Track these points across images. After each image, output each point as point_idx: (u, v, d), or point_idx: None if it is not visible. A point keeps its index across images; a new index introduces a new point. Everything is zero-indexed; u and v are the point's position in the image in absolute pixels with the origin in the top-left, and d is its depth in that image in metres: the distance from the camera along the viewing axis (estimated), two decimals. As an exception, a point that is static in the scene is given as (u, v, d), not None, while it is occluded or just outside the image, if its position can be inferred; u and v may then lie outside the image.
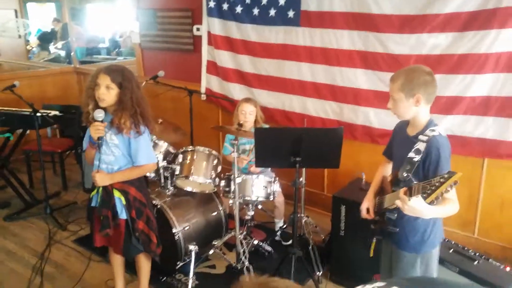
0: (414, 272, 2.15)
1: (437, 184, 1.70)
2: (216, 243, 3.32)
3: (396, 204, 1.90)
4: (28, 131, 4.63)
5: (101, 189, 2.58)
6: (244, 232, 3.36)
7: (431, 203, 1.74)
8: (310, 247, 3.30)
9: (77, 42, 8.36)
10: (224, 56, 4.54)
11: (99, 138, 2.46)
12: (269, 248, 3.50)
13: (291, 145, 2.73)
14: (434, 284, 0.71)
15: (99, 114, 2.45)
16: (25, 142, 4.83)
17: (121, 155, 2.57)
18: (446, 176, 1.69)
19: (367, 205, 2.31)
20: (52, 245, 3.73)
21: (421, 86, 1.99)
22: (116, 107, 2.50)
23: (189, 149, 3.25)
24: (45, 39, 9.27)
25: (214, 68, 4.70)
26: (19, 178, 4.54)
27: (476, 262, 2.57)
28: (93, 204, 2.66)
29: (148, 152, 2.61)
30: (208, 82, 4.80)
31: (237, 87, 4.50)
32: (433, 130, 2.02)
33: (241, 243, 3.16)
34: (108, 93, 2.45)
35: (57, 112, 4.34)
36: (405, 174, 2.01)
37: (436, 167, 1.96)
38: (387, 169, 2.41)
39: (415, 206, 1.78)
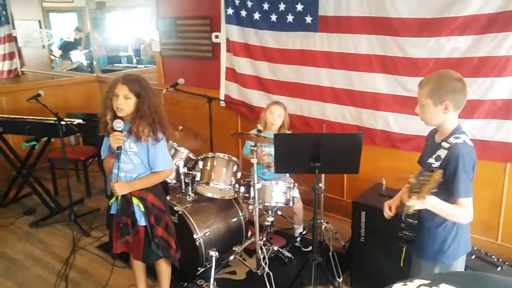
0: None
1: (423, 182, 1.73)
2: (236, 249, 3.34)
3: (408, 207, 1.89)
4: (52, 140, 4.76)
5: (120, 196, 2.62)
6: (264, 238, 3.37)
7: (423, 200, 1.74)
8: (330, 253, 3.29)
9: (99, 51, 8.54)
10: (243, 63, 4.58)
11: (118, 148, 2.52)
12: (289, 255, 3.51)
13: (310, 151, 2.74)
14: (486, 279, 0.70)
15: (118, 124, 2.50)
16: (49, 150, 4.96)
17: (140, 163, 2.62)
18: (429, 173, 1.74)
19: (389, 204, 2.26)
20: (76, 251, 3.82)
21: (449, 93, 1.96)
22: (134, 116, 2.55)
23: (209, 156, 3.29)
24: (67, 48, 9.48)
25: (233, 75, 4.75)
26: (44, 186, 4.66)
27: (499, 269, 2.54)
28: (112, 211, 2.72)
29: (165, 158, 2.66)
30: (227, 89, 4.84)
31: (255, 93, 4.54)
32: (457, 137, 1.98)
33: (261, 249, 3.17)
34: (126, 103, 2.50)
35: (80, 121, 4.44)
36: (422, 178, 1.99)
37: (454, 176, 1.93)
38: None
39: (415, 205, 1.78)
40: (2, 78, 8.02)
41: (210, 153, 3.31)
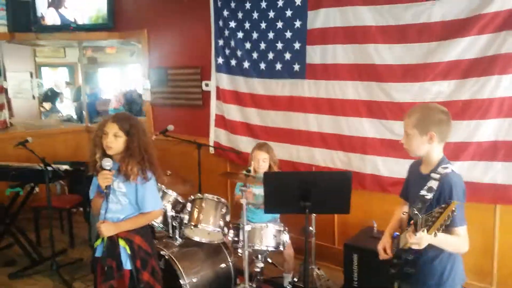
0: None
1: (437, 215, 1.70)
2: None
3: (407, 242, 1.87)
4: (37, 189, 4.67)
5: (106, 238, 2.54)
6: (254, 286, 3.25)
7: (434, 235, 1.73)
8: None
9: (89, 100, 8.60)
10: (232, 110, 4.64)
11: (107, 187, 2.47)
12: (279, 302, 3.38)
13: (300, 189, 2.72)
14: None
15: (107, 163, 2.47)
16: (33, 199, 4.86)
17: (128, 203, 2.57)
18: (443, 206, 1.71)
19: (383, 245, 2.24)
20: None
21: (435, 124, 2.02)
22: (124, 154, 2.52)
23: (197, 197, 3.24)
24: (53, 95, 9.57)
25: (222, 122, 4.80)
26: (27, 235, 4.51)
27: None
28: (97, 254, 2.62)
29: (154, 199, 2.61)
30: (217, 135, 4.87)
31: (244, 139, 4.56)
32: (445, 168, 2.02)
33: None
34: (115, 141, 2.49)
35: (67, 167, 4.39)
36: (415, 212, 1.95)
37: None
38: (404, 211, 2.38)
39: (421, 239, 1.78)
40: (-10, 130, 7.98)
41: (199, 194, 3.26)
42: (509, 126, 3.08)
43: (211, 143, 4.88)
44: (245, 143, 4.56)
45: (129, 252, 2.54)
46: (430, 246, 1.94)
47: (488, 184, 3.19)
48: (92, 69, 11.79)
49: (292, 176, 3.03)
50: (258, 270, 3.33)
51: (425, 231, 1.74)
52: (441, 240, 1.87)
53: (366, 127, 3.74)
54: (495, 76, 3.07)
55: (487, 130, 3.16)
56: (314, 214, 3.41)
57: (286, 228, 3.33)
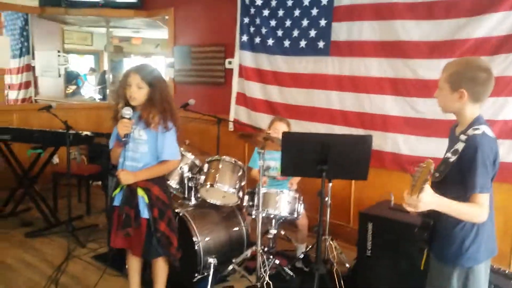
0: (450, 287, 1.89)
1: (417, 174, 1.60)
2: (235, 260, 3.19)
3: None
4: (57, 159, 4.72)
5: (125, 186, 2.57)
6: (266, 248, 3.22)
7: (417, 195, 1.59)
8: (334, 270, 3.14)
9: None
10: (254, 87, 4.65)
11: (126, 136, 2.49)
12: (290, 273, 3.34)
13: (318, 152, 2.68)
14: None
15: (127, 111, 2.50)
16: (53, 168, 4.95)
17: (148, 151, 2.58)
18: (423, 165, 1.61)
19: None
20: (70, 259, 3.66)
21: (468, 82, 1.81)
22: (146, 104, 2.55)
23: (215, 159, 3.24)
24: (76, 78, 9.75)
25: (243, 100, 4.81)
26: (45, 200, 4.57)
27: (513, 281, 2.39)
28: (115, 203, 2.65)
29: (173, 148, 2.62)
30: (237, 113, 4.88)
31: (265, 117, 4.55)
32: (476, 129, 1.81)
33: (262, 257, 3.02)
34: (139, 92, 2.52)
35: (89, 133, 4.45)
36: (437, 175, 1.84)
37: (470, 169, 1.75)
38: None
39: (415, 202, 1.62)
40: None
41: (216, 156, 3.26)
42: (537, 104, 3.00)
43: (231, 121, 4.88)
44: (265, 121, 4.53)
45: (147, 201, 2.56)
46: None
47: (512, 163, 3.11)
48: (117, 57, 11.99)
49: (311, 137, 2.99)
50: (270, 236, 3.31)
51: (412, 191, 1.61)
52: (448, 204, 1.72)
53: (389, 105, 3.70)
54: (525, 52, 3.00)
55: (514, 108, 3.09)
56: (331, 184, 3.35)
57: (302, 197, 3.30)
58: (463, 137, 1.83)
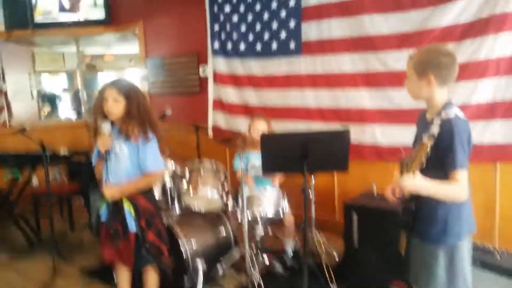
0: (437, 265, 1.95)
1: (414, 153, 1.66)
2: (223, 262, 3.17)
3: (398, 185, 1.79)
4: (36, 180, 4.62)
5: (110, 202, 2.55)
6: (254, 249, 3.22)
7: (413, 173, 1.67)
8: (322, 263, 3.15)
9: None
10: (230, 92, 4.67)
11: (106, 152, 2.49)
12: (280, 269, 3.35)
13: (298, 150, 2.69)
14: None
15: (106, 126, 2.49)
16: (33, 190, 4.86)
17: (130, 165, 2.56)
18: (420, 145, 1.66)
19: (391, 187, 2.16)
20: (57, 277, 3.59)
21: (434, 67, 1.89)
22: (124, 117, 2.53)
23: (196, 165, 3.23)
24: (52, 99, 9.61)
25: (220, 105, 4.83)
26: (27, 220, 4.49)
27: (498, 257, 2.44)
28: (102, 219, 2.63)
29: (156, 159, 2.60)
30: (215, 119, 4.89)
31: (243, 120, 4.57)
32: (449, 112, 1.88)
33: (250, 256, 3.02)
34: (116, 105, 2.50)
35: (66, 152, 4.39)
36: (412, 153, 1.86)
37: (449, 150, 1.82)
38: None
39: (408, 183, 1.70)
40: (-11, 131, 7.98)
41: (197, 160, 3.25)
42: (506, 85, 3.09)
43: (210, 128, 4.89)
44: (244, 124, 4.55)
45: (133, 215, 2.54)
46: None
47: (488, 144, 3.19)
48: (91, 75, 11.88)
49: (290, 137, 3.00)
50: (258, 239, 3.30)
51: (411, 174, 1.67)
52: (431, 186, 1.79)
53: (364, 98, 3.77)
54: (490, 35, 3.08)
55: (484, 90, 3.17)
56: (313, 181, 3.38)
57: (285, 194, 3.31)
58: (437, 121, 1.86)
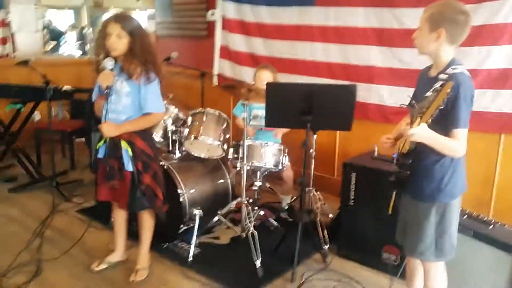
0: (428, 222, 2.01)
1: (431, 99, 1.64)
2: (220, 211, 3.21)
3: (404, 134, 1.81)
4: (38, 115, 4.60)
5: (108, 139, 2.53)
6: (251, 200, 3.25)
7: (427, 122, 1.68)
8: (317, 220, 3.19)
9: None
10: (238, 40, 4.56)
11: (108, 87, 2.44)
12: (275, 223, 3.40)
13: (302, 102, 2.67)
14: None
15: (109, 62, 2.44)
16: (35, 124, 4.87)
17: (131, 103, 2.53)
18: (438, 88, 1.63)
19: (388, 136, 2.21)
20: (55, 214, 3.66)
21: (447, 22, 1.87)
22: (127, 54, 2.47)
23: (199, 111, 3.20)
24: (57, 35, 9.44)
25: (227, 53, 4.72)
26: (28, 156, 4.52)
27: (491, 227, 2.45)
28: (99, 155, 2.61)
29: (156, 101, 2.57)
30: (221, 67, 4.81)
31: (249, 70, 4.48)
32: (455, 68, 1.88)
33: (247, 208, 3.05)
34: (119, 41, 2.43)
35: (69, 87, 4.34)
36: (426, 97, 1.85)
37: (454, 106, 1.82)
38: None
39: (417, 132, 1.71)
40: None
41: (200, 108, 3.22)
42: (521, 53, 2.99)
43: (215, 74, 4.81)
44: (249, 74, 4.47)
45: (131, 154, 2.53)
46: (432, 149, 1.89)
47: (495, 113, 3.14)
48: (97, 13, 11.61)
49: (295, 87, 2.96)
50: (255, 188, 3.33)
51: (420, 118, 1.66)
52: (435, 139, 1.82)
53: (374, 56, 3.67)
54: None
55: (498, 57, 3.07)
56: (315, 136, 3.35)
57: (287, 149, 3.30)
58: (443, 76, 1.86)
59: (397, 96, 3.56)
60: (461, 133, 1.87)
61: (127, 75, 2.47)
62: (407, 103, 1.89)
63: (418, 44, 2.01)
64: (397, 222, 2.26)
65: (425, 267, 2.13)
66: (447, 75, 1.85)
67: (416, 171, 1.99)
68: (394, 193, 2.16)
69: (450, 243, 2.04)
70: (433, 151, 1.91)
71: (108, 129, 2.49)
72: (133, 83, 2.49)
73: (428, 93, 1.90)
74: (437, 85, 1.89)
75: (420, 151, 1.92)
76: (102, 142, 2.59)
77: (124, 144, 2.53)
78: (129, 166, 2.54)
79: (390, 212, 2.17)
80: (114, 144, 2.52)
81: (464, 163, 2.04)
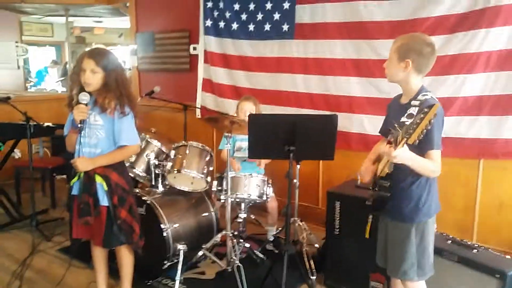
0: (409, 242, 2.08)
1: (418, 121, 1.70)
2: (205, 246, 3.16)
3: (385, 154, 1.90)
4: (19, 153, 4.55)
5: (82, 174, 2.49)
6: (236, 232, 3.22)
7: (414, 143, 1.74)
8: (304, 251, 3.16)
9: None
10: (220, 73, 4.61)
11: (82, 121, 2.42)
12: (261, 255, 3.36)
13: (285, 133, 2.68)
14: None
15: (84, 97, 2.42)
16: (15, 162, 4.79)
17: (105, 137, 2.51)
18: (426, 110, 1.70)
19: (365, 166, 2.29)
20: (35, 254, 3.55)
21: (414, 53, 2.01)
22: (101, 89, 2.47)
23: (182, 144, 3.20)
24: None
25: (209, 86, 4.76)
26: (7, 194, 4.42)
27: (475, 251, 2.46)
28: (73, 192, 2.56)
29: (131, 133, 2.54)
30: (204, 100, 4.83)
31: (232, 102, 4.51)
32: (425, 95, 2.01)
33: (232, 241, 3.01)
34: (93, 76, 2.43)
35: (50, 123, 4.31)
36: (396, 129, 1.93)
37: (427, 132, 1.83)
38: None
39: (401, 153, 1.80)
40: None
41: (183, 141, 3.21)
42: (495, 80, 3.09)
43: (198, 107, 4.83)
44: (232, 107, 4.51)
45: (106, 188, 2.49)
46: (408, 172, 1.98)
47: (473, 139, 3.21)
48: (80, 48, 11.68)
49: (278, 118, 2.99)
50: (240, 220, 3.30)
51: (406, 139, 1.73)
52: (417, 158, 1.91)
53: (353, 86, 3.75)
54: (483, 29, 3.07)
55: (473, 84, 3.17)
56: (299, 166, 3.37)
57: (270, 181, 3.30)
58: (415, 102, 2.01)
59: (377, 124, 3.55)
60: (436, 154, 1.97)
61: (100, 108, 2.47)
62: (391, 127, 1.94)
63: (388, 73, 2.14)
64: (376, 246, 2.32)
65: None
66: (419, 101, 2.00)
67: (394, 193, 2.08)
68: (371, 217, 2.29)
69: (430, 262, 2.12)
70: (409, 173, 2.00)
71: (82, 164, 2.45)
72: (107, 117, 2.48)
73: (404, 118, 2.01)
74: (411, 111, 1.99)
75: (396, 174, 2.02)
76: (76, 178, 2.54)
77: (98, 179, 2.49)
78: (104, 201, 2.50)
79: (367, 236, 2.28)
80: (88, 178, 2.48)
81: (436, 183, 2.12)
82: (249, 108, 3.47)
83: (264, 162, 3.52)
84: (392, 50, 2.08)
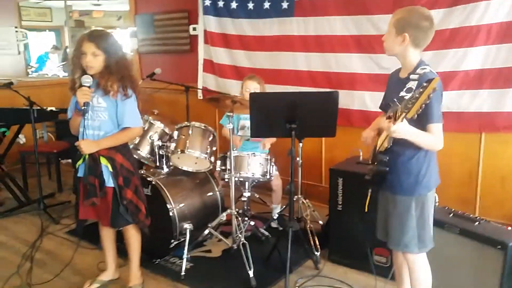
0: (410, 215, 2.11)
1: (417, 95, 1.70)
2: (210, 224, 3.21)
3: (384, 129, 1.92)
4: (23, 139, 4.58)
5: (87, 156, 2.51)
6: (241, 210, 3.26)
7: (412, 117, 1.74)
8: (308, 227, 3.21)
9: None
10: (220, 53, 4.59)
11: (85, 104, 2.42)
12: (266, 233, 3.41)
13: (286, 111, 2.70)
14: None
15: (87, 80, 2.42)
16: (20, 147, 4.83)
17: (108, 119, 2.53)
18: (425, 84, 1.70)
19: (366, 132, 2.34)
20: (44, 236, 3.64)
21: (412, 27, 2.00)
22: (103, 71, 2.48)
23: (184, 125, 3.22)
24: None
25: (210, 66, 4.75)
26: (14, 179, 4.47)
27: (477, 223, 2.49)
28: (79, 174, 2.60)
29: (134, 115, 2.57)
30: (205, 81, 4.83)
31: (233, 82, 4.52)
32: (424, 68, 2.01)
33: (237, 219, 3.06)
34: (95, 59, 2.44)
35: (53, 108, 4.34)
36: (396, 103, 1.94)
37: (426, 105, 1.84)
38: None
39: (400, 128, 1.81)
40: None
41: (186, 122, 3.23)
42: (497, 52, 3.07)
43: (200, 88, 4.83)
44: (234, 86, 4.52)
45: (111, 170, 2.52)
46: (407, 146, 1.99)
47: (474, 113, 3.22)
48: (79, 32, 11.60)
49: (279, 96, 3.00)
50: (245, 199, 3.34)
51: (405, 114, 1.74)
52: (417, 132, 1.92)
53: (354, 63, 3.74)
54: (483, 2, 3.04)
55: (474, 58, 3.16)
56: (301, 144, 3.39)
57: (274, 159, 3.33)
58: (414, 76, 2.01)
59: (378, 101, 3.56)
60: (436, 127, 1.97)
61: (103, 91, 2.48)
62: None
63: (385, 46, 2.14)
64: (376, 220, 2.36)
65: (409, 261, 2.20)
66: (418, 75, 2.00)
67: (394, 168, 2.10)
68: (370, 191, 2.29)
69: (430, 234, 2.15)
70: (408, 147, 2.02)
71: (87, 146, 2.48)
72: (110, 99, 2.50)
73: (403, 93, 2.02)
74: (410, 85, 2.00)
75: (395, 148, 2.04)
76: (81, 160, 2.57)
77: (103, 160, 2.52)
78: (110, 182, 2.54)
79: (366, 210, 2.29)
80: (93, 160, 2.50)
81: (436, 157, 2.14)
82: (253, 87, 3.48)
83: (268, 143, 3.53)
84: (390, 23, 2.08)
